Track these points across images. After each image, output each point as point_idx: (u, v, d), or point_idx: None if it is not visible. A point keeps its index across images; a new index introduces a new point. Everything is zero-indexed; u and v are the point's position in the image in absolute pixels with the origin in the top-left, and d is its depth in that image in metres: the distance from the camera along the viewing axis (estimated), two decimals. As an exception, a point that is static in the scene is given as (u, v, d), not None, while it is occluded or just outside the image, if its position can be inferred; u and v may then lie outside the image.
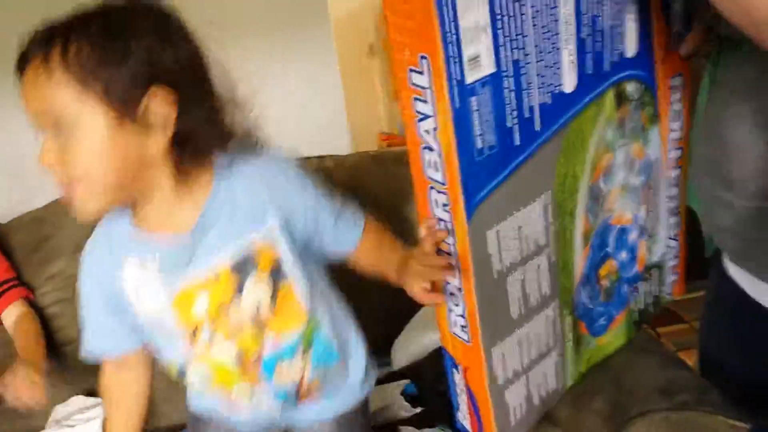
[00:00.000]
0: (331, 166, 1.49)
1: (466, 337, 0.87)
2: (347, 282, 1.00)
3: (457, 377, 0.93)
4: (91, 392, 1.40)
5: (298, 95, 1.57)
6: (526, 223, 0.83)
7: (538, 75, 0.77)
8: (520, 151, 0.78)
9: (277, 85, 1.58)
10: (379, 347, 1.38)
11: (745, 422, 0.97)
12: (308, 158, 1.51)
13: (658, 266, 1.08)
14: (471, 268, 0.81)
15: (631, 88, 0.89)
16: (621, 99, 0.88)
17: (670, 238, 1.07)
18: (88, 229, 0.88)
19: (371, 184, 1.44)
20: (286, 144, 1.52)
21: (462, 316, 0.86)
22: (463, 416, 0.97)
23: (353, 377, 1.02)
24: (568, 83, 0.80)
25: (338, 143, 1.45)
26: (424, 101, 0.71)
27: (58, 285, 1.47)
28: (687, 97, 0.97)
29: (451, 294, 0.85)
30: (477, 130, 0.73)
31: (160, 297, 0.82)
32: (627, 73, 0.88)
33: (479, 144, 0.74)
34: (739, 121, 0.75)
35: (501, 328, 0.88)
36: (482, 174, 0.76)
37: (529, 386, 0.97)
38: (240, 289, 0.84)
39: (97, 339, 0.90)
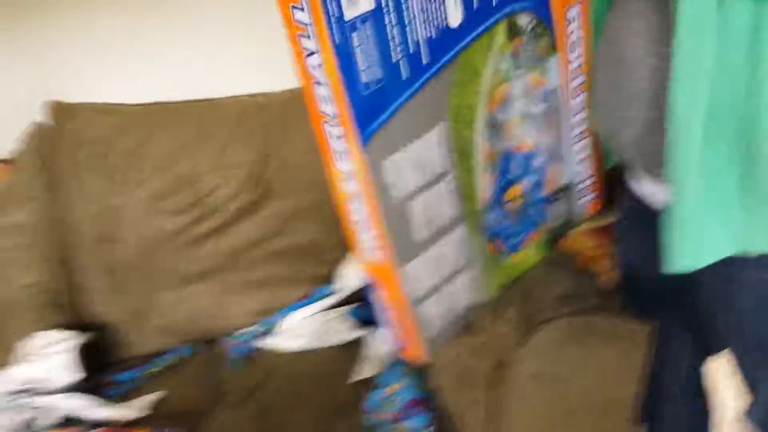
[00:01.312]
0: (264, 102, 1.55)
1: (379, 259, 0.93)
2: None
3: (379, 296, 1.00)
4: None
5: (238, 30, 1.61)
6: (422, 153, 0.88)
7: (421, 11, 0.80)
8: (408, 84, 0.83)
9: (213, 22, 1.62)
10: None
11: (647, 325, 1.05)
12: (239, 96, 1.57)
13: (567, 188, 1.13)
14: (373, 196, 0.86)
15: (522, 20, 0.92)
16: (513, 31, 0.92)
17: (578, 162, 1.12)
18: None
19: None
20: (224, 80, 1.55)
21: (370, 239, 0.91)
22: (390, 332, 1.04)
23: None
24: (453, 18, 0.84)
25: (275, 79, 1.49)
26: (308, 37, 0.75)
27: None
28: (586, 25, 1.00)
29: (362, 220, 0.90)
30: (361, 64, 0.77)
31: None
32: (518, 5, 0.91)
33: (365, 78, 0.78)
34: (634, 38, 0.80)
35: (410, 248, 0.94)
36: (372, 107, 0.80)
37: (445, 301, 1.03)
38: None
39: None
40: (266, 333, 1.47)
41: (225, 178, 1.54)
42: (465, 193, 0.97)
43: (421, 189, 0.91)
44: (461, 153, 0.93)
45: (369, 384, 1.26)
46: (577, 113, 1.06)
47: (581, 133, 1.08)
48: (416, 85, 0.83)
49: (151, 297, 1.54)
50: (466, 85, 0.89)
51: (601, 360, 1.08)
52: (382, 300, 1.00)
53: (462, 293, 1.06)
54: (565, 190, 1.13)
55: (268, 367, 1.40)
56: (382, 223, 0.89)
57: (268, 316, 1.50)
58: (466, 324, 1.13)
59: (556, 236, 1.18)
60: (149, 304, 1.54)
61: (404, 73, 0.82)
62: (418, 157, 0.88)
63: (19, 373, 1.37)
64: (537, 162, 1.05)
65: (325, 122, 0.82)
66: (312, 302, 1.48)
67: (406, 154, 0.87)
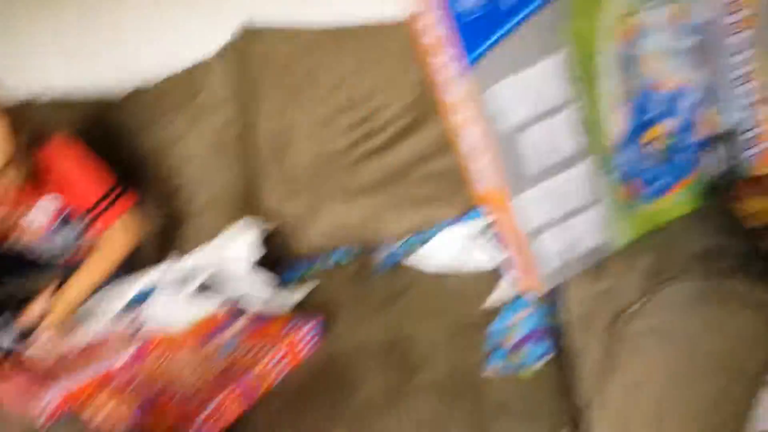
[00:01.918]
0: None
1: (492, 188, 0.93)
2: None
3: (496, 227, 1.00)
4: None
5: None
6: (536, 82, 0.85)
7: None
8: (517, 10, 0.80)
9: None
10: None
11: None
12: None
13: (729, 136, 1.03)
14: (482, 124, 0.86)
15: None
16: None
17: (743, 108, 1.01)
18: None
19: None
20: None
21: (485, 169, 0.91)
22: (509, 260, 1.04)
23: None
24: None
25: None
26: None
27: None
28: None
29: (473, 148, 0.90)
30: (469, -12, 0.76)
31: None
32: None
33: (470, 3, 0.77)
34: None
35: (522, 180, 0.93)
36: (478, 32, 0.79)
37: (564, 238, 1.00)
38: None
39: None
40: (414, 249, 1.53)
41: (392, 99, 1.59)
42: (590, 127, 0.92)
43: (535, 119, 0.88)
44: (586, 84, 0.89)
45: (498, 310, 1.27)
46: (737, 53, 0.95)
47: (745, 75, 0.97)
48: (527, 10, 0.80)
49: (318, 206, 1.66)
50: (587, 13, 0.84)
51: (736, 324, 1.00)
52: (500, 229, 1.00)
53: (586, 233, 1.02)
54: (726, 137, 1.03)
55: (410, 280, 1.46)
56: (493, 152, 0.88)
57: (419, 233, 1.55)
58: (593, 267, 1.09)
59: (714, 187, 1.09)
60: (316, 213, 1.67)
61: (515, -2, 0.79)
62: (532, 85, 0.85)
63: (206, 255, 1.57)
64: (684, 103, 0.96)
65: (432, 50, 0.83)
66: (462, 224, 1.50)
67: (518, 81, 0.84)
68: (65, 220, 1.56)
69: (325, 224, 1.66)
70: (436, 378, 1.17)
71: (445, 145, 1.58)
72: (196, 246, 1.60)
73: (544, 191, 0.95)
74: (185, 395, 1.17)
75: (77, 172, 1.49)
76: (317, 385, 1.22)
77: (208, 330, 1.36)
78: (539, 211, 0.96)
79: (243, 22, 1.76)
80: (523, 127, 0.88)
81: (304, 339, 1.28)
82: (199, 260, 1.54)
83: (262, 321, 1.35)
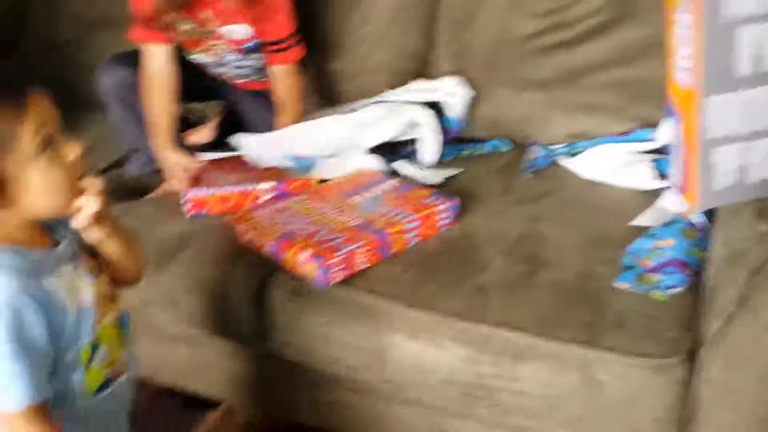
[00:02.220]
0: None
1: (687, 82, 0.88)
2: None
3: (675, 129, 0.95)
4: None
5: None
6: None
7: None
8: None
9: None
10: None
11: None
12: None
13: None
14: (701, 7, 0.80)
15: None
16: None
17: None
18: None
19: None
20: None
21: (686, 58, 0.86)
22: (676, 171, 0.99)
23: None
24: None
25: None
26: None
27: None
28: None
29: (683, 35, 0.85)
30: None
31: (89, 286, 0.91)
32: None
33: None
34: None
35: (724, 80, 0.86)
36: None
37: (742, 157, 0.94)
38: (99, 268, 0.96)
39: (42, 384, 0.84)
40: (572, 154, 1.49)
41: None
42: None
43: (763, 17, 0.81)
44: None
45: (643, 231, 1.23)
46: None
47: None
48: None
49: (484, 90, 1.64)
50: None
51: None
52: (678, 131, 0.95)
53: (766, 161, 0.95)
54: None
55: (559, 183, 1.44)
56: (701, 42, 0.82)
57: (582, 140, 1.51)
58: (757, 206, 1.03)
59: None
60: (479, 96, 1.64)
61: None
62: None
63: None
64: None
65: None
66: (627, 141, 1.44)
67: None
68: (250, 49, 1.66)
69: (487, 110, 1.64)
70: (562, 278, 1.16)
71: (632, 55, 1.50)
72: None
73: (744, 100, 0.88)
74: (322, 237, 1.24)
75: (282, 5, 1.58)
76: (444, 259, 1.25)
77: (356, 184, 1.42)
78: (729, 119, 0.89)
79: None
80: (745, 21, 0.81)
81: (441, 215, 1.31)
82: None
83: (406, 188, 1.39)
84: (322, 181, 1.48)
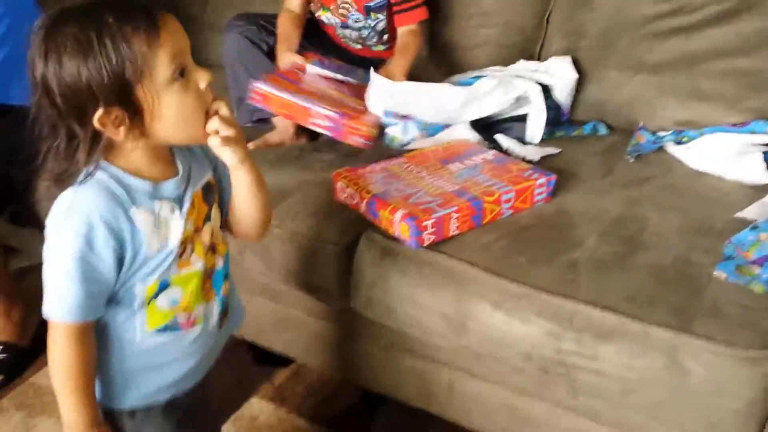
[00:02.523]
0: None
1: None
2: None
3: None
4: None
5: None
6: None
7: None
8: None
9: None
10: None
11: None
12: None
13: None
14: None
15: None
16: None
17: None
18: None
19: None
20: None
21: None
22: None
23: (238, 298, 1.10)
24: None
25: None
26: None
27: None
28: None
29: None
30: None
31: (179, 228, 0.90)
32: None
33: None
34: None
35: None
36: None
37: None
38: (208, 217, 0.96)
39: (92, 299, 0.86)
40: (679, 142, 1.45)
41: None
42: None
43: None
44: None
45: (748, 224, 1.19)
46: None
47: None
48: None
49: (594, 70, 1.61)
50: None
51: None
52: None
53: None
54: None
55: (665, 169, 1.40)
56: None
57: (691, 128, 1.46)
58: None
59: None
60: (589, 76, 1.62)
61: None
62: None
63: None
64: None
65: None
66: (741, 132, 1.38)
67: None
68: (372, 9, 1.72)
69: (593, 92, 1.61)
70: (659, 261, 1.14)
71: (753, 45, 1.44)
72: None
73: None
74: (417, 199, 1.25)
75: None
76: (537, 232, 1.24)
77: (455, 152, 1.42)
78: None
79: None
80: None
81: (538, 189, 1.30)
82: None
83: (505, 161, 1.38)
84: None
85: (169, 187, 0.90)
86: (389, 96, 1.51)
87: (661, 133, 1.49)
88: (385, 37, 1.78)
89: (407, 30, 1.71)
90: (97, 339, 0.90)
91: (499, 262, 1.18)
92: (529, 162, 1.41)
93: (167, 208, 0.89)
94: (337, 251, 1.31)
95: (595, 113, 1.61)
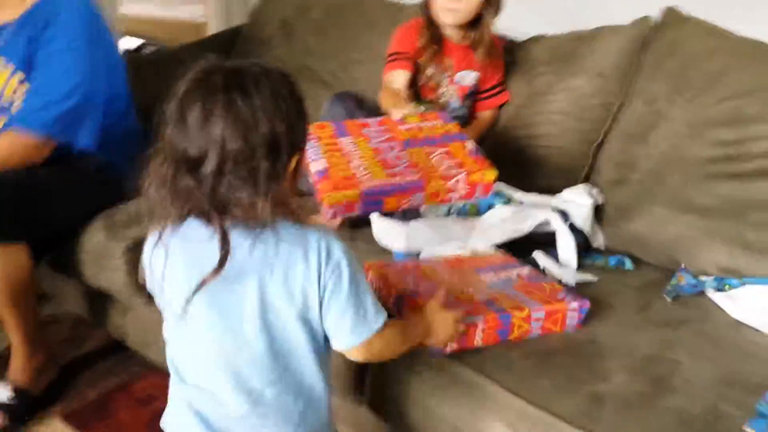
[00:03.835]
0: None
1: None
2: None
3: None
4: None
5: None
6: None
7: None
8: None
9: None
10: None
11: None
12: None
13: None
14: None
15: None
16: None
17: None
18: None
19: None
20: None
21: None
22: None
23: None
24: None
25: None
26: None
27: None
28: None
29: None
30: None
31: None
32: None
33: None
34: None
35: None
36: None
37: None
38: None
39: None
40: (720, 289, 1.39)
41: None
42: None
43: None
44: None
45: None
46: None
47: None
48: None
49: (642, 203, 1.58)
50: None
51: None
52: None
53: None
54: None
55: (703, 314, 1.35)
56: None
57: (734, 276, 1.40)
58: None
59: None
60: (636, 209, 1.58)
61: None
62: None
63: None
64: None
65: None
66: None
67: None
68: (467, 96, 1.87)
69: (640, 224, 1.57)
70: (686, 408, 1.07)
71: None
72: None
73: None
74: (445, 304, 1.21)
75: (500, 53, 1.87)
76: (564, 358, 1.19)
77: (489, 263, 1.39)
78: None
79: (669, 4, 1.74)
80: None
81: (570, 312, 1.25)
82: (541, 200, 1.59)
83: (540, 279, 1.34)
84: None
85: None
86: (394, 236, 1.49)
87: (703, 278, 1.43)
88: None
89: (488, 115, 1.89)
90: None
91: (522, 383, 1.13)
92: (565, 285, 1.37)
93: None
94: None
95: (635, 246, 1.57)
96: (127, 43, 4.58)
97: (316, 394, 0.99)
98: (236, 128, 0.84)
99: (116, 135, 1.72)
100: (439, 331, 1.12)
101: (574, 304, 1.25)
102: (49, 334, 1.94)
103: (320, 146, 1.39)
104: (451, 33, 1.80)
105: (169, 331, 1.00)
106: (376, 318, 0.98)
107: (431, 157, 1.37)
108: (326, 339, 0.99)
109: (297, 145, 0.91)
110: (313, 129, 1.41)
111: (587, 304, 1.26)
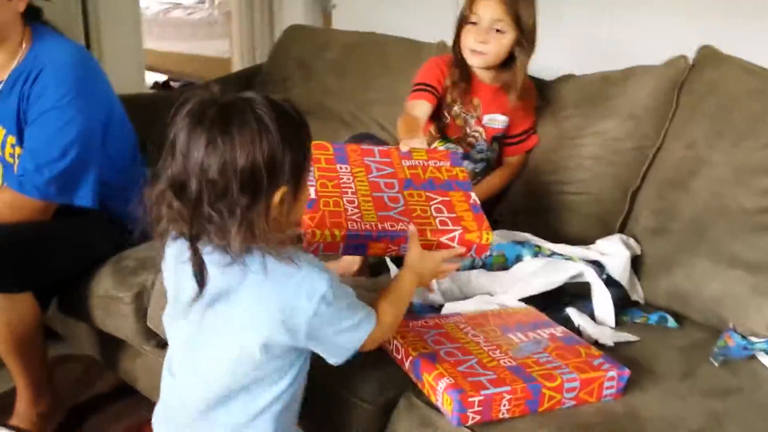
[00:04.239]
0: None
1: None
2: None
3: None
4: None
5: None
6: None
7: None
8: None
9: None
10: None
11: None
12: None
13: None
14: None
15: None
16: None
17: None
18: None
19: None
20: None
21: None
22: None
23: None
24: None
25: None
26: None
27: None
28: None
29: None
30: None
31: None
32: None
33: None
34: None
35: None
36: None
37: None
38: None
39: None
40: (768, 351, 1.25)
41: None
42: None
43: None
44: None
45: None
46: None
47: None
48: None
49: (683, 255, 1.44)
50: None
51: None
52: None
53: None
54: None
55: (754, 381, 1.20)
56: None
57: (789, 339, 1.26)
58: None
59: None
60: (677, 261, 1.45)
61: None
62: None
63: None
64: None
65: None
66: None
67: None
68: (495, 139, 1.78)
69: (682, 278, 1.43)
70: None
71: None
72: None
73: None
74: (467, 369, 1.09)
75: (532, 100, 1.77)
76: (601, 433, 1.05)
77: (519, 321, 1.27)
78: None
79: (702, 43, 1.65)
80: None
81: (608, 382, 1.11)
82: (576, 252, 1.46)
83: (574, 342, 1.21)
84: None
85: None
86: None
87: (754, 339, 1.29)
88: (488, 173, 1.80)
89: (516, 160, 1.79)
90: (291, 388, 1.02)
91: (550, 463, 1.00)
92: (602, 346, 1.24)
93: None
94: (373, 411, 1.16)
95: (677, 302, 1.43)
96: (153, 78, 4.59)
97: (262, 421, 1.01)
98: (213, 161, 0.87)
99: (119, 189, 1.59)
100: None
101: (613, 373, 1.11)
102: (61, 374, 1.91)
103: (315, 170, 1.27)
104: (482, 73, 1.71)
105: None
106: (366, 325, 1.01)
107: (430, 204, 1.24)
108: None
109: (282, 179, 0.91)
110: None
111: (627, 373, 1.13)
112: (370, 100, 2.07)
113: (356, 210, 1.19)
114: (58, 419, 1.68)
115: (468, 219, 1.22)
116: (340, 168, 1.30)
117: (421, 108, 1.66)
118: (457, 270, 1.32)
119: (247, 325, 0.95)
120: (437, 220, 1.20)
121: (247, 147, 0.87)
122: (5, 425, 1.60)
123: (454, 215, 1.23)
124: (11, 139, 1.59)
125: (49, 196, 1.55)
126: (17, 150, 1.59)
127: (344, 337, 0.99)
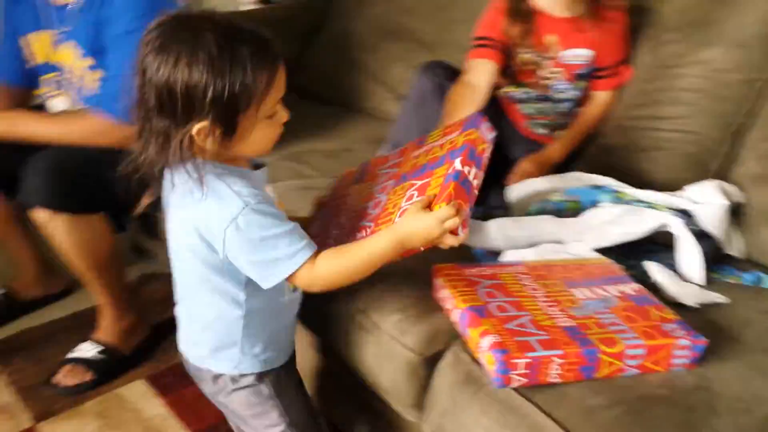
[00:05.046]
0: None
1: None
2: None
3: None
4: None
5: None
6: None
7: None
8: None
9: None
10: None
11: None
12: None
13: None
14: None
15: None
16: None
17: None
18: None
19: None
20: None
21: None
22: None
23: None
24: None
25: None
26: None
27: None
28: None
29: None
30: None
31: None
32: None
33: None
34: None
35: None
36: None
37: None
38: None
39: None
40: None
41: None
42: None
43: None
44: None
45: None
46: None
47: None
48: None
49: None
50: None
51: None
52: None
53: None
54: None
55: None
56: None
57: None
58: None
59: None
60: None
61: None
62: None
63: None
64: None
65: None
66: None
67: None
68: (581, 76, 1.56)
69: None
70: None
71: None
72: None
73: None
74: (518, 326, 0.97)
75: (622, 29, 1.53)
76: (663, 409, 0.91)
77: (587, 273, 1.12)
78: None
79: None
80: None
81: (678, 350, 0.96)
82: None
83: (647, 302, 1.06)
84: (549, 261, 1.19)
85: (264, 172, 1.00)
86: (474, 231, 1.23)
87: None
88: (578, 111, 1.58)
89: (605, 96, 1.56)
90: (254, 300, 1.00)
91: (603, 437, 0.88)
92: (682, 306, 1.07)
93: (270, 189, 1.01)
94: (419, 361, 1.08)
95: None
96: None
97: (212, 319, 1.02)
98: (150, 72, 0.86)
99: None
100: (414, 237, 0.96)
101: (685, 341, 0.96)
102: (147, 292, 1.92)
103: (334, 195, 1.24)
104: (550, 4, 1.48)
105: None
106: (286, 266, 0.93)
107: (405, 194, 1.04)
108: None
109: (201, 113, 0.86)
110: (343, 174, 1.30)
111: (703, 342, 0.97)
112: (453, 19, 1.89)
113: (337, 231, 1.11)
114: (141, 335, 1.72)
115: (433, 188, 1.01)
116: (353, 189, 1.20)
117: (483, 71, 1.48)
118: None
119: (178, 229, 0.98)
120: (401, 211, 1.01)
121: (169, 68, 0.85)
122: (90, 339, 1.66)
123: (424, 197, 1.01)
124: (89, 61, 1.56)
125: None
126: (96, 73, 1.56)
127: (258, 269, 0.94)
